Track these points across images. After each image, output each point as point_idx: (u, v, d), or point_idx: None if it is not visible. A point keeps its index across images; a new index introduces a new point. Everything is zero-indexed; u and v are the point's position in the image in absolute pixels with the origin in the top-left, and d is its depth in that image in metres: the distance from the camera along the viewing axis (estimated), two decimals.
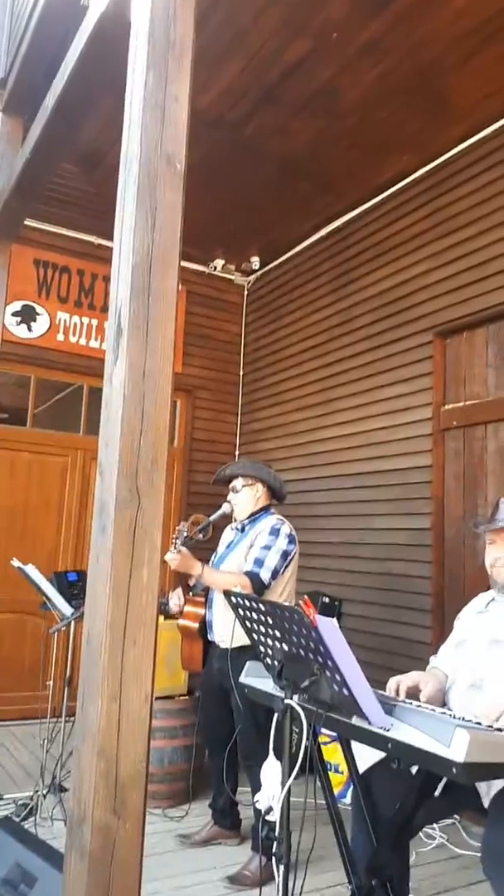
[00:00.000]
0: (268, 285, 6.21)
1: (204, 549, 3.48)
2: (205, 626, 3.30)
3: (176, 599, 3.40)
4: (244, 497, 3.32)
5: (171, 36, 1.80)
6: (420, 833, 3.40)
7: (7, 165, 3.73)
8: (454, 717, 1.79)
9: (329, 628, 1.67)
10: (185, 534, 3.15)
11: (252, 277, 6.43)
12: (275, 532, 3.17)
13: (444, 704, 2.19)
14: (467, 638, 2.32)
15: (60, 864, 1.90)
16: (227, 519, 3.45)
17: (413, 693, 2.11)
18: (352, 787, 2.21)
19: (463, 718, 1.77)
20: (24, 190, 3.38)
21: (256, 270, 6.29)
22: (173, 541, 3.08)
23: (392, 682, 2.15)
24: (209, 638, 3.28)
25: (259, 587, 3.03)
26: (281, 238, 5.73)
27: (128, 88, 1.82)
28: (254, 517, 3.32)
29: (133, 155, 1.75)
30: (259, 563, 3.09)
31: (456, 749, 1.53)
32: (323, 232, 5.44)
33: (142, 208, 1.71)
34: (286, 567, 3.17)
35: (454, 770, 1.53)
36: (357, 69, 3.70)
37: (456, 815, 3.57)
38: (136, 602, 1.56)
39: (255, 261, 6.17)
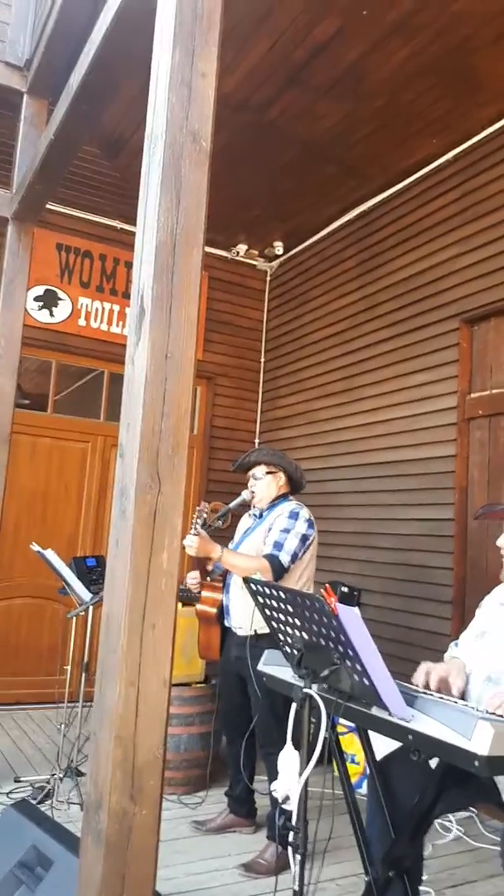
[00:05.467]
0: (291, 271, 6.15)
1: (222, 536, 3.46)
2: (222, 612, 3.29)
3: (191, 580, 3.37)
4: (264, 485, 3.29)
5: (198, 10, 1.75)
6: (437, 825, 3.38)
7: (31, 147, 3.71)
8: (476, 709, 1.75)
9: (350, 617, 1.64)
10: (205, 516, 3.13)
11: (275, 263, 6.37)
12: (294, 515, 3.15)
13: (462, 696, 2.16)
14: (488, 630, 2.29)
15: (76, 847, 1.89)
16: (246, 507, 3.42)
17: (441, 687, 2.08)
18: (368, 776, 2.19)
19: (475, 709, 1.74)
20: (48, 171, 3.34)
21: (280, 256, 6.23)
22: (193, 522, 3.06)
23: (422, 668, 2.11)
24: (226, 623, 3.27)
25: (279, 570, 3.00)
26: (305, 223, 5.67)
27: (153, 64, 1.78)
28: (272, 504, 3.29)
29: (158, 133, 1.71)
30: (279, 546, 3.06)
31: (478, 742, 1.50)
32: (348, 217, 5.37)
33: (166, 187, 1.67)
34: (305, 552, 3.14)
35: (476, 763, 1.50)
36: (385, 49, 3.62)
37: (472, 808, 3.54)
38: (156, 586, 1.54)
39: (279, 246, 6.10)
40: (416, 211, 4.70)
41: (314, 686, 1.82)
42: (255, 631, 2.93)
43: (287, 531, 3.09)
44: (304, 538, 3.12)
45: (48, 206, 4.28)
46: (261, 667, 2.21)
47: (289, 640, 1.93)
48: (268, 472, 3.29)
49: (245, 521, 3.43)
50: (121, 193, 5.45)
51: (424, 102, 4.01)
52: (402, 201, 4.84)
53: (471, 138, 4.26)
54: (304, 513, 3.19)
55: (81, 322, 5.63)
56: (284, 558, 3.03)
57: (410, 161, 4.60)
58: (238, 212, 5.48)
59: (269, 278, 6.49)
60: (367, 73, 3.83)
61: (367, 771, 2.49)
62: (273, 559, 3.02)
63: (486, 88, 3.85)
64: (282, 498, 3.31)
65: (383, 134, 4.35)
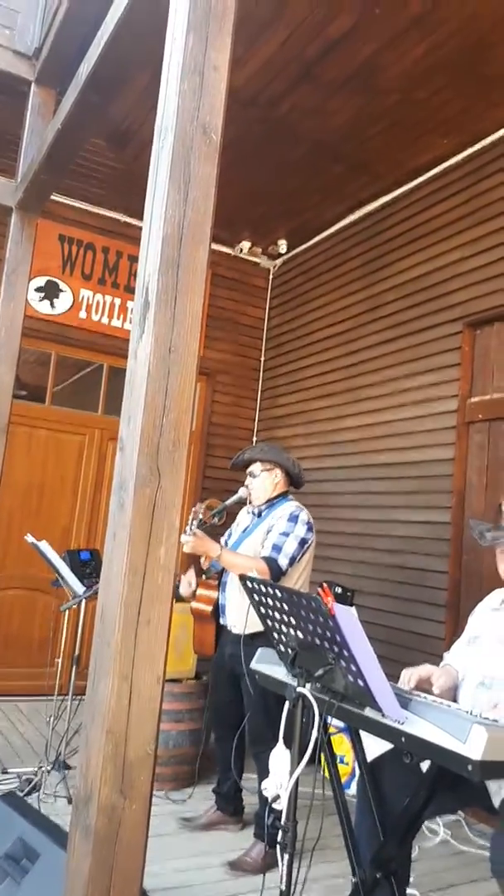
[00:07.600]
0: (294, 269, 6.13)
1: (218, 533, 3.45)
2: (218, 610, 3.27)
3: (186, 584, 3.37)
4: (262, 482, 3.28)
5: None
6: (424, 828, 3.38)
7: (38, 137, 3.69)
8: (470, 713, 1.75)
9: (347, 618, 1.63)
10: (201, 516, 3.13)
11: (278, 261, 6.35)
12: (293, 519, 3.14)
13: (454, 701, 2.16)
14: (480, 635, 2.29)
15: (63, 840, 1.89)
16: (243, 504, 3.42)
17: (424, 686, 2.08)
18: (357, 777, 2.18)
19: (471, 713, 1.74)
20: (54, 162, 3.32)
21: (283, 254, 6.21)
22: (189, 522, 3.05)
23: (405, 673, 2.12)
24: (221, 622, 3.26)
25: (276, 573, 3.00)
26: (310, 221, 5.64)
27: (166, 53, 1.76)
28: (271, 503, 3.28)
29: (168, 124, 1.70)
30: (277, 549, 3.06)
31: (472, 746, 1.50)
32: (355, 216, 5.35)
33: (174, 179, 1.65)
34: (302, 555, 3.14)
35: (469, 767, 1.50)
36: (401, 45, 3.58)
37: (460, 812, 3.54)
38: (152, 581, 1.53)
39: (283, 244, 6.07)
40: (423, 212, 4.69)
41: (307, 686, 1.81)
42: (251, 630, 2.91)
43: (286, 534, 3.09)
44: (303, 542, 3.11)
45: (51, 197, 4.26)
46: (254, 665, 2.21)
47: (283, 638, 1.93)
48: (264, 470, 3.28)
49: (244, 518, 3.42)
50: (125, 186, 5.42)
51: (438, 101, 3.98)
52: (409, 202, 4.83)
53: (483, 139, 4.24)
54: (304, 516, 3.18)
55: (82, 314, 5.61)
56: (283, 561, 3.03)
57: (420, 161, 4.58)
58: (243, 208, 5.46)
59: (271, 276, 6.47)
60: (381, 69, 3.78)
61: (356, 772, 2.49)
62: (271, 562, 3.01)
63: (500, 88, 3.82)
64: (281, 497, 3.30)
65: (394, 132, 4.32)
